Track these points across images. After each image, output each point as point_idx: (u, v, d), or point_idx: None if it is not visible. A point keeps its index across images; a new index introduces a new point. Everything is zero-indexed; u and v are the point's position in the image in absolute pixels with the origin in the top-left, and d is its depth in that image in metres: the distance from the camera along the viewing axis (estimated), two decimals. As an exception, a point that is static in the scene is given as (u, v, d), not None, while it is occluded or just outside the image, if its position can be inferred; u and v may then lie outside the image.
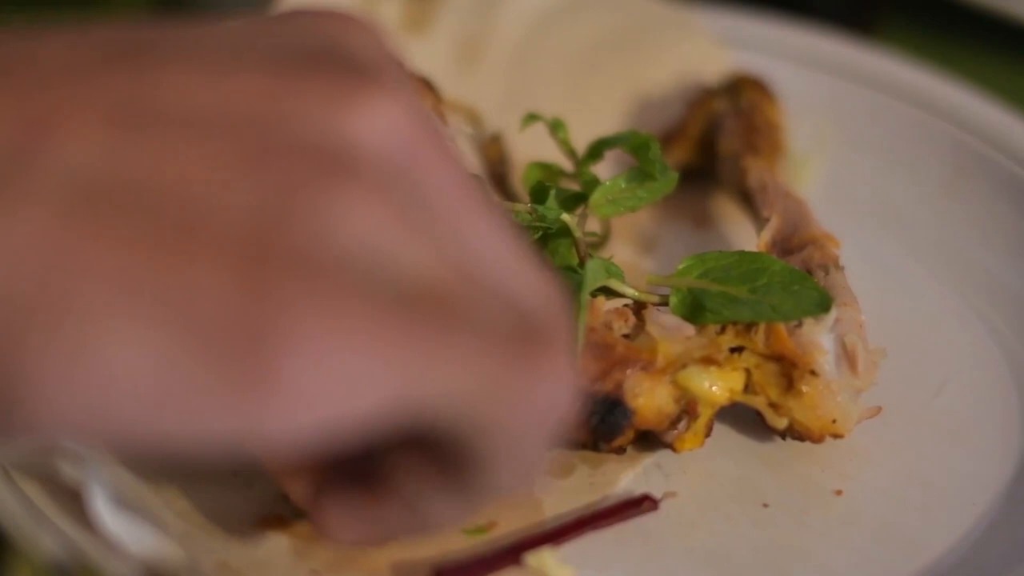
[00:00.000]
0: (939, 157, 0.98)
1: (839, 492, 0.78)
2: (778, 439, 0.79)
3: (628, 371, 0.75)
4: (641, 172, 0.84)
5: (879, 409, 0.79)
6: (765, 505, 0.78)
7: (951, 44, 1.14)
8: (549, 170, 0.88)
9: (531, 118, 0.88)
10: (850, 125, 1.01)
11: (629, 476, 0.78)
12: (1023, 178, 0.94)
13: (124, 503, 0.69)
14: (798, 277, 0.77)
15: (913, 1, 1.18)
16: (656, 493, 0.77)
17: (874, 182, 0.98)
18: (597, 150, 0.87)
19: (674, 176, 0.84)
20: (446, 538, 0.74)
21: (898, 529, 0.77)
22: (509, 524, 0.75)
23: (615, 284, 0.79)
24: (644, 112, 1.01)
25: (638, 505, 0.76)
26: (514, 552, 0.73)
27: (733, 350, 0.77)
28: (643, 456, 0.79)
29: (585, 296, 0.74)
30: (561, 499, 0.77)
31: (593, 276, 0.76)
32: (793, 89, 1.00)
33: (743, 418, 0.80)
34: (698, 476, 0.79)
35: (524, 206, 0.81)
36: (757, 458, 0.80)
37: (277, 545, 0.73)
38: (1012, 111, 0.98)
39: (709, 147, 0.97)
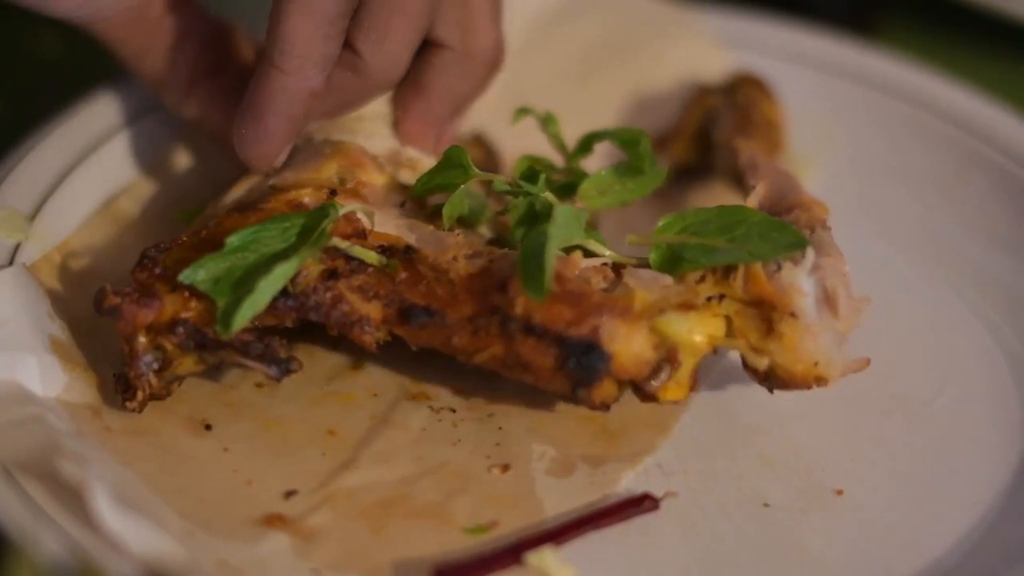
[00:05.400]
0: (939, 157, 0.98)
1: (839, 492, 0.78)
2: (779, 440, 0.79)
3: (604, 317, 0.75)
4: (630, 166, 0.84)
5: (867, 361, 0.78)
6: (766, 505, 0.78)
7: (951, 44, 1.14)
8: (539, 163, 0.88)
9: (522, 112, 0.88)
10: (850, 125, 1.01)
11: (630, 475, 0.78)
12: (1022, 178, 0.94)
13: (125, 502, 0.69)
14: (776, 225, 0.76)
15: (913, 1, 1.18)
16: (657, 492, 0.77)
17: (874, 182, 0.98)
18: (587, 143, 0.87)
19: (663, 171, 0.84)
20: (447, 537, 0.74)
21: (898, 529, 0.77)
22: (510, 523, 0.75)
23: (593, 245, 0.78)
24: (643, 112, 1.01)
25: (639, 504, 0.76)
26: (515, 551, 0.73)
27: (712, 299, 0.76)
28: (644, 456, 0.79)
29: (554, 232, 0.74)
30: (562, 498, 0.77)
31: (564, 218, 0.76)
32: (793, 89, 1.00)
33: (743, 418, 0.80)
34: (699, 476, 0.79)
35: (504, 178, 0.81)
36: (758, 458, 0.80)
37: (277, 544, 0.73)
38: (1012, 111, 0.98)
39: (706, 144, 0.96)
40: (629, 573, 0.74)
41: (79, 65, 0.95)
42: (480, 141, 0.94)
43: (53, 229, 0.85)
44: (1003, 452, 0.81)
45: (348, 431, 0.80)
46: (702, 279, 0.76)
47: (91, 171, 0.89)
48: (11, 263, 0.82)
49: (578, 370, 0.75)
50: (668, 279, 0.76)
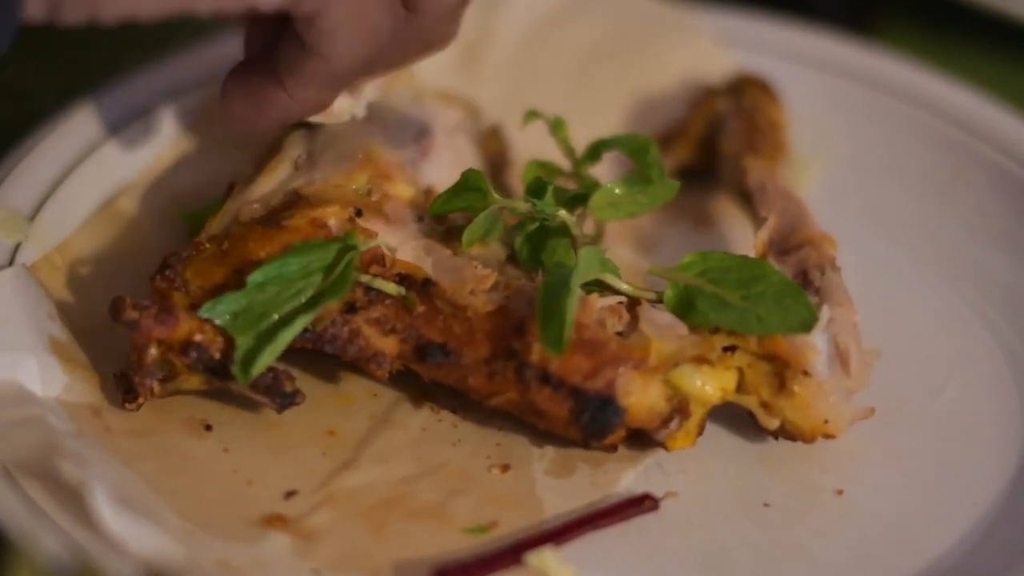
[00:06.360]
0: (938, 157, 0.98)
1: (839, 492, 0.78)
2: (779, 440, 0.79)
3: (620, 369, 0.75)
4: (640, 177, 0.84)
5: (872, 410, 0.79)
6: (766, 505, 0.78)
7: (951, 44, 1.14)
8: (547, 168, 0.88)
9: (532, 115, 0.88)
10: (850, 125, 1.01)
11: (630, 476, 0.78)
12: (1022, 178, 0.94)
13: (125, 503, 0.69)
14: (792, 291, 0.76)
15: (913, 1, 1.18)
16: (657, 493, 0.77)
17: (873, 182, 0.98)
18: (595, 151, 0.87)
19: (675, 184, 0.84)
20: (447, 537, 0.74)
21: (898, 529, 0.77)
22: (510, 523, 0.75)
23: (609, 278, 0.79)
24: (646, 113, 1.01)
25: (639, 504, 0.76)
26: (515, 551, 0.73)
27: (726, 349, 0.77)
28: (644, 456, 0.79)
29: (576, 283, 0.74)
30: (562, 498, 0.77)
31: (586, 265, 0.76)
32: (793, 89, 1.00)
33: (743, 419, 0.80)
34: (699, 476, 0.79)
35: (525, 204, 0.81)
36: (758, 458, 0.80)
37: (277, 544, 0.73)
38: (1012, 111, 0.98)
39: (711, 147, 0.96)
40: (629, 573, 0.74)
41: (80, 64, 0.95)
42: (497, 135, 0.94)
43: (53, 229, 0.85)
44: (1003, 452, 0.81)
45: (348, 431, 0.80)
46: (716, 329, 0.76)
47: (91, 171, 0.89)
48: (11, 263, 0.82)
49: (592, 424, 0.75)
50: (683, 328, 0.77)
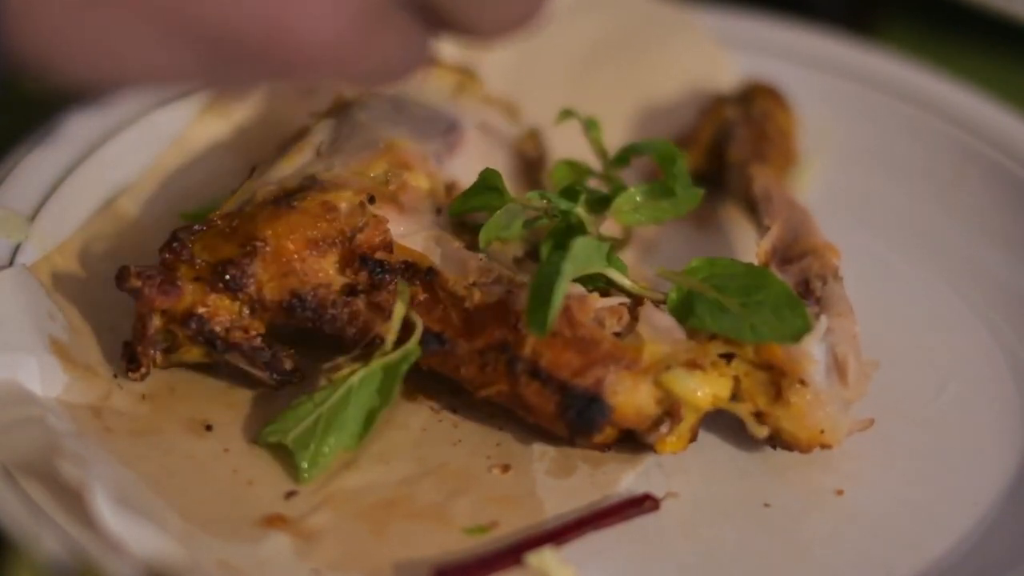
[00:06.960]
0: (938, 157, 0.98)
1: (840, 492, 0.78)
2: (775, 443, 0.79)
3: (611, 368, 0.75)
4: (663, 187, 0.83)
5: (871, 421, 0.79)
6: (766, 505, 0.78)
7: (951, 44, 1.14)
8: (577, 169, 0.88)
9: (566, 114, 0.88)
10: (849, 124, 1.01)
11: (630, 476, 0.78)
12: (1021, 177, 0.94)
13: (125, 503, 0.70)
14: (791, 302, 0.76)
15: (913, 1, 1.18)
16: (657, 493, 0.77)
17: (873, 182, 0.98)
18: (625, 155, 0.87)
19: (699, 192, 0.84)
20: (447, 537, 0.74)
21: (898, 529, 0.77)
22: (510, 524, 0.75)
23: (614, 274, 0.79)
24: (651, 117, 1.01)
25: (639, 505, 0.76)
26: (515, 551, 0.73)
27: (725, 357, 0.77)
28: (644, 456, 0.79)
29: (568, 267, 0.74)
30: (563, 498, 0.77)
31: (582, 252, 0.76)
32: (794, 89, 1.00)
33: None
34: (699, 476, 0.79)
35: (540, 201, 0.81)
36: (758, 459, 0.80)
37: (278, 545, 0.73)
38: (1012, 111, 0.98)
39: (720, 154, 0.96)
40: (629, 573, 0.74)
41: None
42: (534, 137, 0.94)
43: (53, 229, 0.85)
44: (1003, 452, 0.81)
45: (348, 431, 0.80)
46: (714, 336, 0.76)
47: (91, 171, 0.89)
48: (11, 263, 0.82)
49: (577, 421, 0.75)
50: (681, 332, 0.76)
